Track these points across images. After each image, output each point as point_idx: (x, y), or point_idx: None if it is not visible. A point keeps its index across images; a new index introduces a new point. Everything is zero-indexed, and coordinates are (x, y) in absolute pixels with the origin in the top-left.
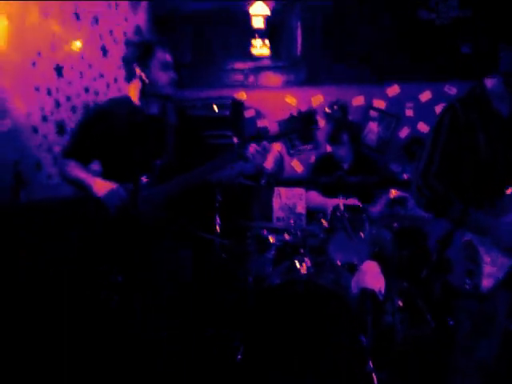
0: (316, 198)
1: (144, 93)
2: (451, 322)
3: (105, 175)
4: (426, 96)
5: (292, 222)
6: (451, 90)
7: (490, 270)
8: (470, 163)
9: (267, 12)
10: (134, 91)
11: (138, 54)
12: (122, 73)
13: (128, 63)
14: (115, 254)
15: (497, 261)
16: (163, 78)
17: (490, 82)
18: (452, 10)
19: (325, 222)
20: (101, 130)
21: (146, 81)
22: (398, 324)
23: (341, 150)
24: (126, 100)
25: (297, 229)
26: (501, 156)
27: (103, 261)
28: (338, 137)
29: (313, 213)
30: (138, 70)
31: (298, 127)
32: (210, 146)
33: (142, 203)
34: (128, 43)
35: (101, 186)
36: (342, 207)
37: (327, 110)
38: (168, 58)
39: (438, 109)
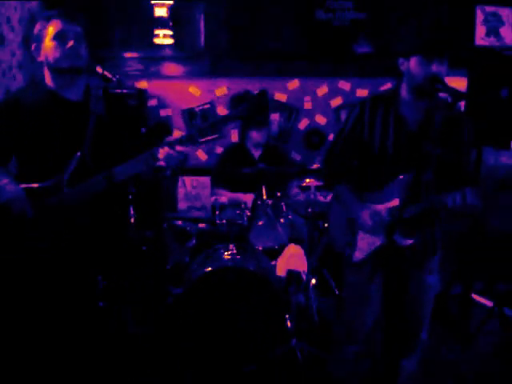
0: (231, 195)
1: (50, 70)
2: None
3: (20, 173)
4: (322, 90)
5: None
6: (345, 86)
7: (362, 245)
8: (365, 154)
9: (170, 1)
10: (46, 73)
11: (33, 29)
12: (16, 60)
13: (27, 42)
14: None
15: (367, 238)
16: (57, 50)
17: (403, 88)
18: (347, 12)
19: (247, 211)
20: (10, 126)
21: (41, 57)
22: (312, 298)
23: (259, 134)
24: (39, 86)
25: (220, 218)
26: (390, 151)
27: None
28: (259, 120)
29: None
30: (33, 46)
31: (249, 112)
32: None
33: (50, 211)
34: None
35: (2, 190)
36: (264, 195)
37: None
38: (65, 27)
39: (334, 102)
